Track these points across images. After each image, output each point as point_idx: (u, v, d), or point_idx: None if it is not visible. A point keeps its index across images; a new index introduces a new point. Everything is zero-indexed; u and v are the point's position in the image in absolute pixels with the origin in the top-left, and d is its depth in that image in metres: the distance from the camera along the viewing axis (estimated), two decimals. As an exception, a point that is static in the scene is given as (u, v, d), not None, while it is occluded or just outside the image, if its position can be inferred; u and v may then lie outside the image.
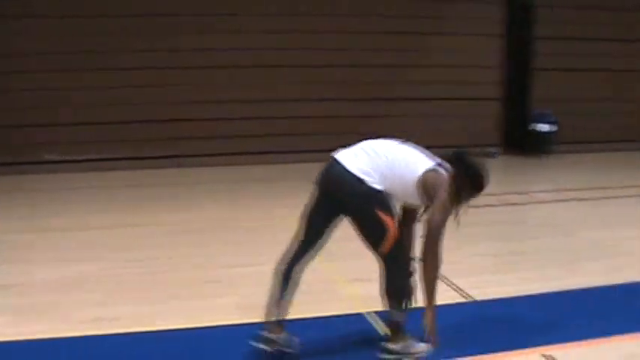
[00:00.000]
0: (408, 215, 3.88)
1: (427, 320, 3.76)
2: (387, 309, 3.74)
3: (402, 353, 3.73)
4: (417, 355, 3.74)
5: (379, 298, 4.52)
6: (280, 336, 3.71)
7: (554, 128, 11.68)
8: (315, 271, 5.20)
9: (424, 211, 3.76)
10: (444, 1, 11.27)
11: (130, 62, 9.96)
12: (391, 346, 3.75)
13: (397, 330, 3.74)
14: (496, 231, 6.87)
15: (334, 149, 3.72)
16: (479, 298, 4.76)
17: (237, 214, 7.25)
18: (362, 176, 3.56)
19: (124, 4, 9.86)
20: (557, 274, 5.23)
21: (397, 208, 3.77)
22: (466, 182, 3.67)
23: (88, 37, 9.81)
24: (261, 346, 3.69)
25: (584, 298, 4.74)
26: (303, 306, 4.46)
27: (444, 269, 5.22)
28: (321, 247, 3.82)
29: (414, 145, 3.80)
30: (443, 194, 3.58)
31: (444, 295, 4.68)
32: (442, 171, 3.66)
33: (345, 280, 5.01)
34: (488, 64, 11.62)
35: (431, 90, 11.12)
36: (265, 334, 3.70)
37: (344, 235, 6.22)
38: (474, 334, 4.11)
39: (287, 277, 3.76)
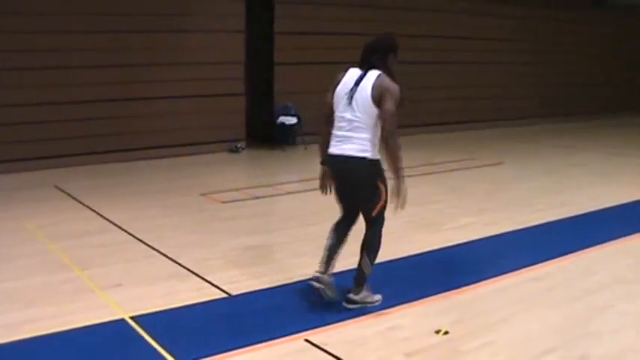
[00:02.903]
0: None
1: (398, 190, 4.25)
2: (360, 262, 4.45)
3: (363, 302, 4.46)
4: (372, 304, 4.50)
5: (137, 302, 4.53)
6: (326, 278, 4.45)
7: (297, 120, 12.30)
8: (71, 280, 5.07)
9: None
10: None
11: None
12: (354, 296, 4.45)
13: (362, 282, 4.45)
14: (247, 225, 6.97)
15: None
16: (234, 292, 4.80)
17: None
18: (361, 154, 4.26)
19: None
20: (310, 262, 5.30)
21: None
22: (388, 56, 4.45)
23: None
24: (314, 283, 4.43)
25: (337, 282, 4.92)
26: (62, 318, 4.34)
27: (199, 268, 5.35)
28: (356, 218, 4.60)
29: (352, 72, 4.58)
30: (391, 85, 4.29)
31: (199, 293, 4.79)
32: (378, 72, 4.35)
33: (101, 287, 4.92)
34: (231, 60, 11.90)
35: (179, 88, 11.13)
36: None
37: (95, 241, 6.11)
38: (234, 328, 4.22)
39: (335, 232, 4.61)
